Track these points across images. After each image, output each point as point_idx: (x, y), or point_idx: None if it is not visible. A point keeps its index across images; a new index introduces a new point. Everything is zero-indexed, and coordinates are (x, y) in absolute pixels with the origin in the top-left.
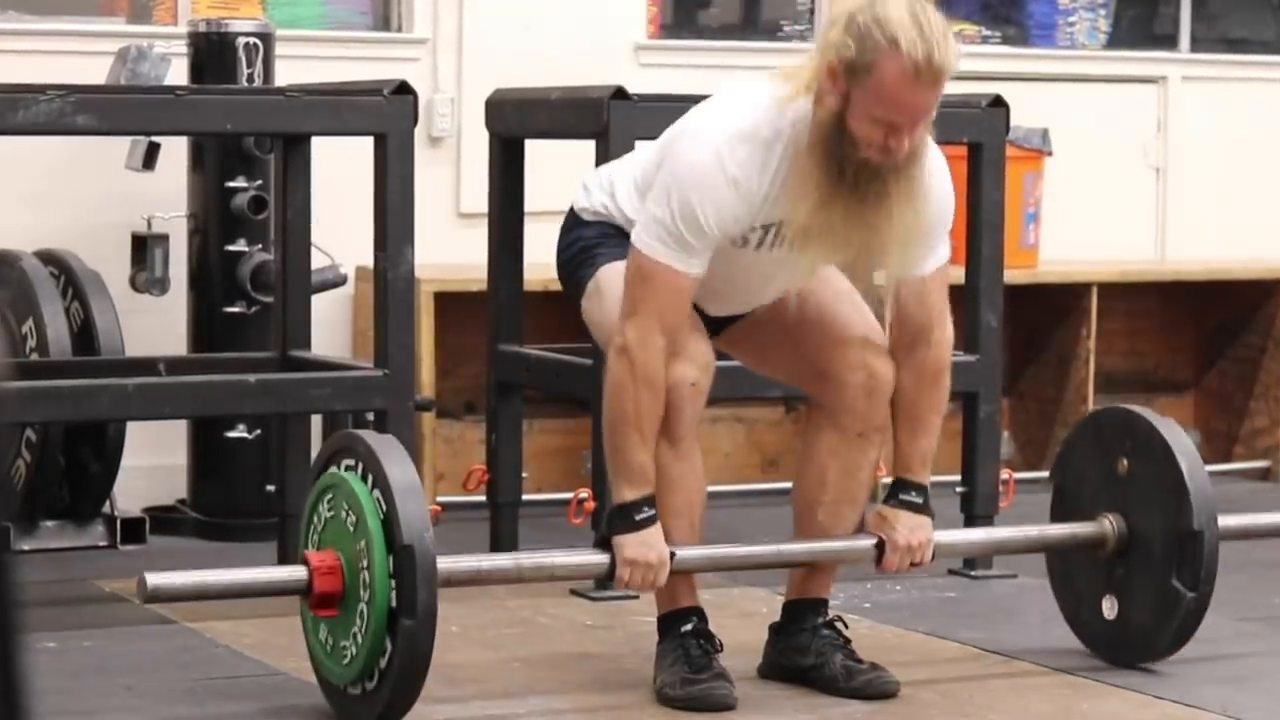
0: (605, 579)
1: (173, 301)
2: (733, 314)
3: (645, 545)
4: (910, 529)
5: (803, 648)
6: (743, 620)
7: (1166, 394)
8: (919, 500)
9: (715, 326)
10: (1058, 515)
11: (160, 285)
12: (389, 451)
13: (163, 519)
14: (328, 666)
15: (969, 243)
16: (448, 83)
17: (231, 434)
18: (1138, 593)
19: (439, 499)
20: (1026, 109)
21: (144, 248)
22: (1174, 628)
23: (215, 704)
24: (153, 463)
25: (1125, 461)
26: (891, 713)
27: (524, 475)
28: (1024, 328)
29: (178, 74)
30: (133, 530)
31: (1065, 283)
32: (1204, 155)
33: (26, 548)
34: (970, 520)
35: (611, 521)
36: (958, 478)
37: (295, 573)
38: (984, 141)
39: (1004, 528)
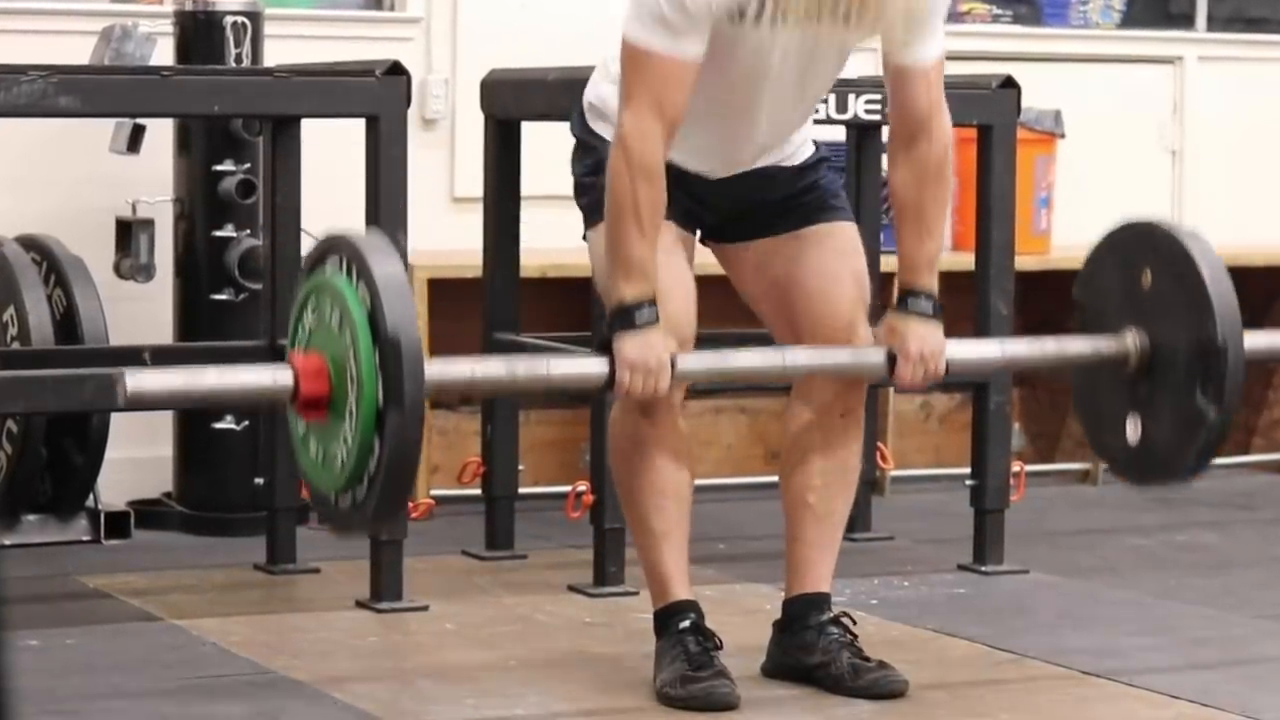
0: (604, 387)
1: (158, 288)
2: (735, 170)
3: (647, 347)
4: (921, 338)
5: (808, 645)
6: (745, 617)
7: None
8: (928, 308)
9: (716, 229)
10: (1081, 332)
11: (145, 272)
12: (375, 246)
13: (148, 513)
14: (320, 480)
15: (979, 228)
16: (442, 63)
17: (219, 425)
18: (1161, 411)
19: (433, 492)
20: (1038, 90)
21: (129, 233)
22: (1198, 446)
23: (202, 703)
24: (138, 455)
25: (1148, 274)
26: (899, 712)
27: (520, 468)
28: (1035, 316)
29: (163, 54)
30: (117, 524)
31: (1078, 269)
32: (1221, 138)
33: (8, 543)
34: (980, 515)
35: (611, 324)
36: (967, 470)
37: (281, 375)
38: (994, 124)
39: (1021, 340)
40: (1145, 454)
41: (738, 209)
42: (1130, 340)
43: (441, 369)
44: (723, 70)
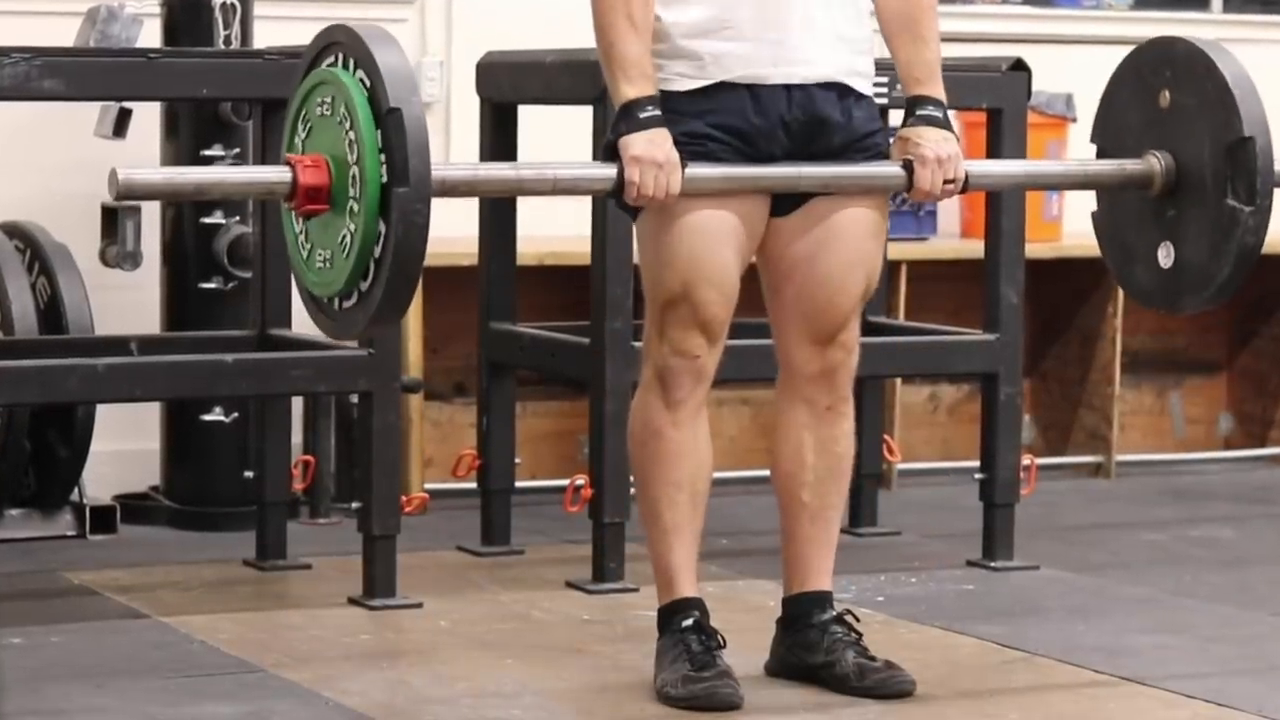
0: (614, 191)
1: (145, 277)
2: (786, 62)
3: (652, 144)
4: (936, 143)
5: (812, 644)
6: (749, 615)
7: (1197, 375)
8: (939, 114)
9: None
10: None
11: (132, 259)
12: (376, 36)
13: (134, 507)
14: (319, 283)
15: (988, 215)
16: (436, 45)
17: (207, 417)
18: (1192, 227)
19: (427, 485)
20: (1049, 73)
21: (114, 220)
22: (1234, 251)
23: (191, 702)
24: (124, 448)
25: (1167, 93)
26: (907, 713)
27: (517, 461)
28: (1046, 305)
29: (150, 36)
30: (103, 519)
31: (1090, 257)
32: None
33: None
34: (989, 509)
35: (615, 125)
36: (976, 463)
37: (279, 172)
38: (1004, 107)
39: (1044, 161)
40: (1179, 273)
41: (798, 148)
42: (1155, 161)
43: (447, 172)
44: None
